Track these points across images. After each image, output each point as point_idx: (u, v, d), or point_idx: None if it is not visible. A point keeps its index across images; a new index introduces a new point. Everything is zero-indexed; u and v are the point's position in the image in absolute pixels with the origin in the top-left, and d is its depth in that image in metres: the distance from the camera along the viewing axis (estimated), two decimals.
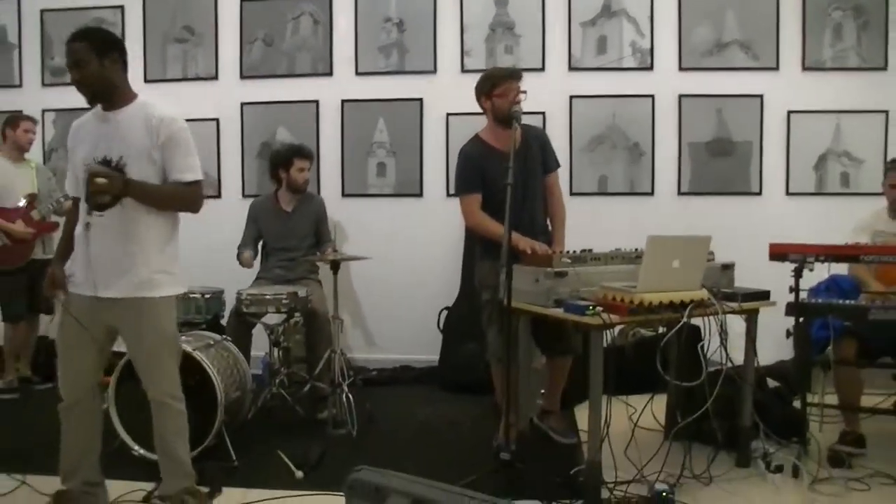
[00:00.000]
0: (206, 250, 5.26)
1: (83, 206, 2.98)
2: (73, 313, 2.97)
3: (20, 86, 6.21)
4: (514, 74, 3.93)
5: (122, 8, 6.07)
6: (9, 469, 3.56)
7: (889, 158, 5.04)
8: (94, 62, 2.91)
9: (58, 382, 3.08)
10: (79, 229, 2.99)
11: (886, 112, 5.55)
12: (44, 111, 6.02)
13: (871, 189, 4.99)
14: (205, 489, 3.33)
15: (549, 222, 4.19)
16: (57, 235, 5.22)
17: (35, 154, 5.50)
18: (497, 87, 3.89)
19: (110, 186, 2.81)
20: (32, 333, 5.40)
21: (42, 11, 6.15)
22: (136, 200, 2.92)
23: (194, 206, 3.10)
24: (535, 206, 4.07)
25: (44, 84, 6.16)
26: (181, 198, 3.05)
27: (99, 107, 3.04)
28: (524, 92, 3.89)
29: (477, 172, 3.94)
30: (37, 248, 5.15)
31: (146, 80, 5.97)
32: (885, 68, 5.56)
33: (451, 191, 5.78)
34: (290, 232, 5.02)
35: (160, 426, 3.08)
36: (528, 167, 3.97)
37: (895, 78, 5.55)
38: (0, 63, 6.24)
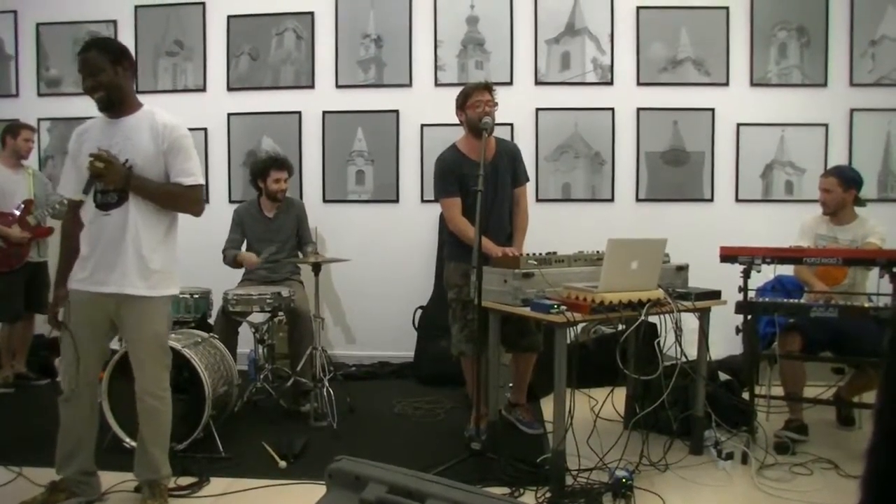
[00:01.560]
0: (195, 253, 5.19)
1: (90, 205, 2.95)
2: (71, 328, 2.95)
3: (17, 95, 6.11)
4: (484, 85, 3.95)
5: (115, 22, 6.00)
6: (6, 461, 3.50)
7: None
8: (109, 70, 2.90)
9: (59, 376, 3.04)
10: (86, 226, 2.96)
11: (826, 125, 5.64)
12: (39, 120, 5.94)
13: (812, 196, 5.03)
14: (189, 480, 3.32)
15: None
16: (52, 239, 5.18)
17: (31, 161, 5.41)
18: (469, 98, 3.91)
19: (107, 171, 2.81)
20: (28, 332, 5.32)
21: (38, 24, 6.06)
22: (136, 194, 2.91)
23: (195, 208, 3.08)
24: (503, 214, 4.08)
25: (39, 94, 6.07)
26: (182, 197, 3.02)
27: (103, 115, 3.01)
28: (496, 104, 3.91)
29: (454, 177, 3.94)
30: (32, 252, 5.08)
31: (138, 91, 5.81)
32: (825, 85, 5.64)
33: (426, 197, 5.79)
34: (272, 236, 4.98)
35: (139, 419, 3.07)
36: (499, 177, 4.00)
37: (834, 94, 5.63)
38: None
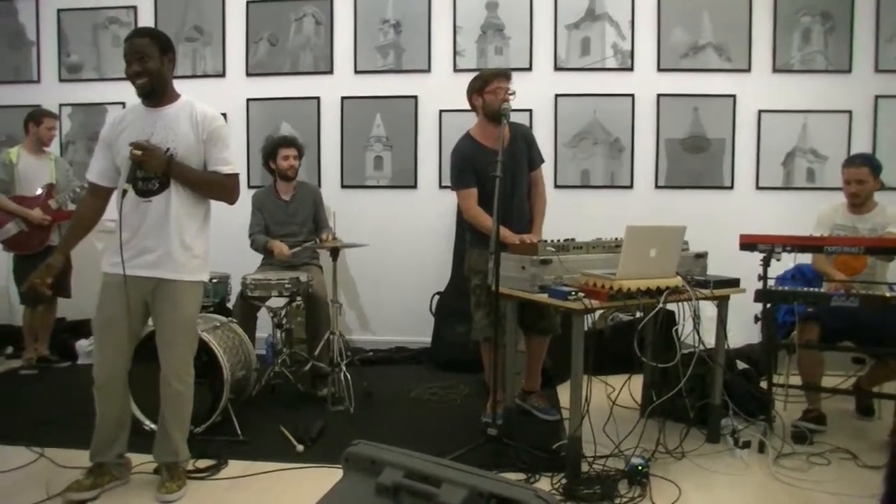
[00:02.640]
0: (214, 238, 5.23)
1: (129, 192, 2.97)
2: (105, 313, 3.02)
3: (38, 81, 6.16)
4: (504, 73, 3.92)
5: (135, 8, 6.03)
6: (28, 442, 3.55)
7: None
8: (157, 58, 2.97)
9: (93, 363, 3.06)
10: (125, 212, 3.00)
11: (850, 112, 5.56)
12: (61, 105, 5.98)
13: (834, 184, 4.98)
14: (208, 462, 3.37)
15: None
16: None
17: (53, 146, 5.45)
18: (488, 84, 3.87)
19: (146, 158, 2.88)
20: (50, 316, 5.38)
21: (59, 11, 6.10)
22: (176, 180, 2.97)
23: (232, 195, 3.17)
24: (522, 199, 4.07)
25: (60, 79, 6.11)
26: (220, 185, 3.10)
27: (139, 103, 3.05)
28: (513, 92, 3.88)
29: (470, 167, 3.93)
30: (53, 236, 5.13)
31: None
32: (849, 71, 5.56)
33: (444, 183, 5.79)
34: (290, 219, 5.00)
35: (162, 402, 3.12)
36: (516, 163, 3.98)
37: (858, 80, 5.55)
38: (19, 59, 6.19)
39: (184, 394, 3.13)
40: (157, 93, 3.00)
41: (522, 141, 4.07)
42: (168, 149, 2.97)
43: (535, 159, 4.15)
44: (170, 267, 3.02)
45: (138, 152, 2.87)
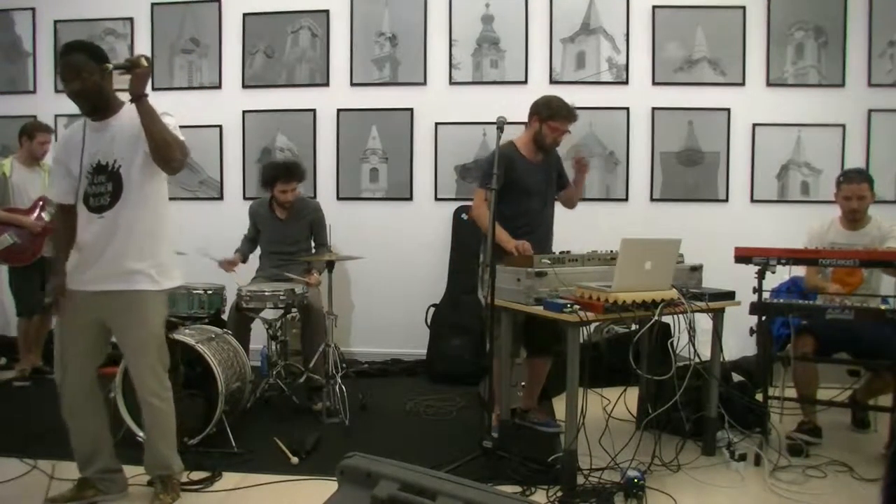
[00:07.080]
0: (210, 249, 5.24)
1: (82, 209, 2.94)
2: (69, 328, 2.96)
3: (34, 92, 6.16)
4: (572, 116, 3.99)
5: (131, 20, 6.03)
6: (20, 454, 3.53)
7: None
8: (96, 73, 2.83)
9: (57, 386, 3.02)
10: (78, 232, 2.95)
11: (843, 126, 5.59)
12: (56, 116, 5.98)
13: (828, 197, 4.98)
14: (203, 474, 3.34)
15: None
16: None
17: (47, 158, 5.43)
18: (553, 119, 3.94)
19: (144, 74, 2.75)
20: (44, 326, 5.35)
21: (56, 22, 6.11)
22: (145, 110, 2.77)
23: (183, 152, 2.88)
24: (551, 216, 4.17)
25: (56, 90, 6.10)
26: (175, 137, 2.85)
27: (87, 118, 2.96)
28: (568, 132, 4.02)
29: (500, 170, 3.78)
30: (46, 247, 5.10)
31: (154, 89, 5.90)
32: (842, 85, 5.59)
33: (440, 195, 5.80)
34: (284, 238, 4.97)
35: (145, 420, 3.09)
36: (547, 183, 4.09)
37: (852, 94, 5.58)
38: (15, 70, 6.19)
39: (163, 409, 3.05)
40: (101, 108, 2.92)
41: (554, 162, 4.19)
42: (116, 160, 2.90)
43: (564, 180, 4.29)
44: (126, 279, 2.93)
45: (146, 65, 2.75)
